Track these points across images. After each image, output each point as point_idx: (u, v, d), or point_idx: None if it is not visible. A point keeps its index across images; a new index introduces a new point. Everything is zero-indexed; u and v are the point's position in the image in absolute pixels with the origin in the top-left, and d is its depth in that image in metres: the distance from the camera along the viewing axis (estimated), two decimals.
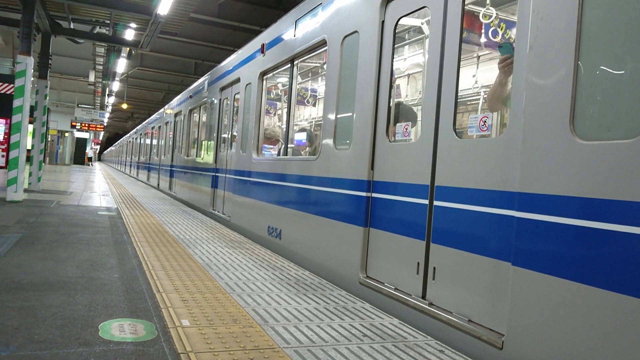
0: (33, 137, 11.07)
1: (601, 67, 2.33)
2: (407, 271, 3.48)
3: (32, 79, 9.59)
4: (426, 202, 3.34)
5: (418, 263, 3.38)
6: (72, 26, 12.16)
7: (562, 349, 2.29)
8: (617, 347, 2.06)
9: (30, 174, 11.39)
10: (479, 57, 5.26)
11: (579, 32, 2.34)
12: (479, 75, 5.23)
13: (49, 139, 33.73)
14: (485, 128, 3.02)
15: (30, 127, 9.88)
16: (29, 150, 10.17)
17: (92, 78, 21.34)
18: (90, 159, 44.15)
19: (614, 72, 2.30)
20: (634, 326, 1.99)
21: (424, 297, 3.31)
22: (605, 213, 2.14)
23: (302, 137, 6.85)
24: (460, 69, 3.21)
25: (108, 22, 11.72)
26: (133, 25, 11.71)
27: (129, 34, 12.78)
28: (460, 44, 3.19)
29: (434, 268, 3.23)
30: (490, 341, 2.70)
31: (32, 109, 10.48)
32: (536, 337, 2.42)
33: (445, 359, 2.59)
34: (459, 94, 3.22)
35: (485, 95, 4.45)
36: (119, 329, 2.66)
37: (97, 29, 13.17)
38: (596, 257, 2.16)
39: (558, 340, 2.31)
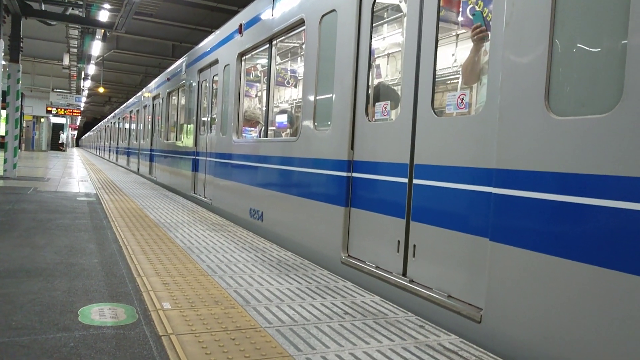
0: (7, 123, 10.80)
1: (575, 43, 2.34)
2: (388, 249, 3.51)
3: (3, 62, 9.31)
4: (405, 180, 3.35)
5: (398, 241, 3.41)
6: (43, 7, 11.81)
7: (539, 321, 2.34)
8: (593, 318, 2.12)
9: (5, 161, 11.13)
10: (457, 35, 5.26)
11: (554, 8, 2.35)
12: (458, 54, 5.24)
13: (24, 125, 32.95)
14: (463, 105, 3.04)
15: (3, 112, 9.64)
16: (2, 137, 9.93)
17: (66, 61, 20.81)
18: (62, 144, 42.02)
19: (588, 49, 2.32)
20: (609, 298, 2.05)
21: (404, 274, 3.35)
22: (580, 187, 2.17)
23: (282, 118, 6.80)
24: (439, 47, 3.20)
25: (81, 2, 11.41)
26: (107, 6, 11.42)
27: (103, 15, 12.47)
28: (437, 22, 3.18)
29: (414, 246, 3.26)
30: (469, 315, 2.75)
31: (4, 94, 10.21)
32: (514, 310, 2.47)
33: (425, 334, 2.63)
34: (437, 73, 3.22)
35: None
36: (99, 314, 2.64)
37: (70, 10, 12.80)
38: (571, 231, 2.21)
39: (535, 312, 2.36)
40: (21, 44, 11.31)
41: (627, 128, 2.00)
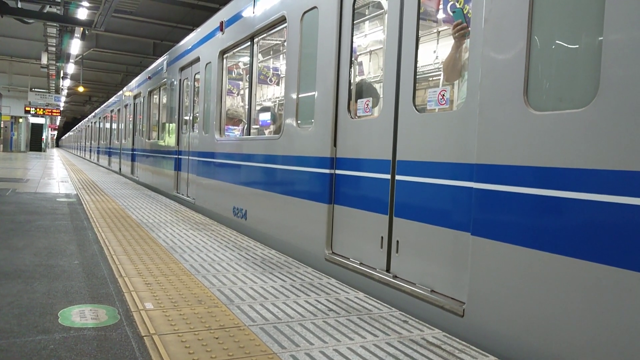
0: None
1: (553, 39, 2.38)
2: (372, 246, 3.52)
3: None
4: (388, 176, 3.37)
5: (382, 237, 3.42)
6: (20, 5, 11.57)
7: (521, 314, 2.37)
8: (573, 310, 2.15)
9: None
10: (439, 32, 5.30)
11: (531, 5, 2.38)
12: (439, 51, 5.28)
13: (2, 125, 32.30)
14: (444, 101, 3.06)
15: None
16: None
17: (44, 60, 20.43)
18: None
19: (565, 45, 2.36)
20: (590, 290, 2.08)
21: (388, 270, 3.36)
22: (559, 181, 2.20)
23: (265, 116, 6.77)
24: (421, 44, 3.22)
25: (59, 0, 11.20)
26: (85, 3, 11.24)
27: (82, 13, 12.26)
28: (418, 18, 3.19)
29: (397, 241, 3.28)
30: (452, 310, 2.77)
31: None
32: (495, 304, 2.50)
33: (409, 329, 2.65)
34: (419, 70, 3.24)
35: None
36: (80, 315, 2.60)
37: (48, 8, 12.57)
38: (551, 224, 2.24)
39: (516, 305, 2.39)
40: None
41: (602, 122, 2.03)
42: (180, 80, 8.99)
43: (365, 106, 3.77)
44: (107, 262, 3.81)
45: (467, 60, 3.03)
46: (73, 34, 15.96)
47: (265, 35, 5.83)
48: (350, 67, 3.90)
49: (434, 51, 5.35)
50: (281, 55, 7.82)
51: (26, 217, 5.85)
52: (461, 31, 3.10)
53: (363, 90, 4.35)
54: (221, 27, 6.68)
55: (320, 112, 4.16)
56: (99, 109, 25.89)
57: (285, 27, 4.91)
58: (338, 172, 3.95)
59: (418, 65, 3.23)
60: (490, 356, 2.32)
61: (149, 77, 11.82)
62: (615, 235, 1.98)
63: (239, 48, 6.44)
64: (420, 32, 3.24)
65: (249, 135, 6.13)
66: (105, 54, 23.54)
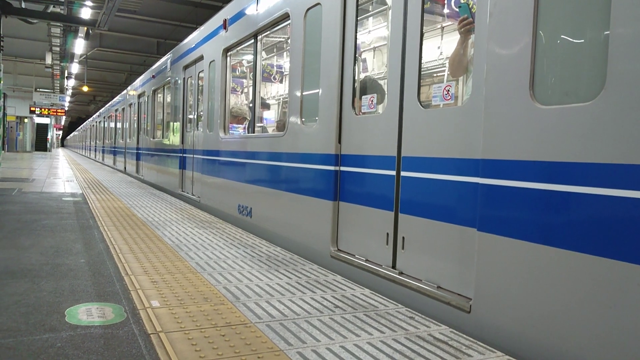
0: None
1: (558, 33, 2.36)
2: (377, 242, 3.51)
3: None
4: (393, 173, 3.36)
5: (387, 234, 3.41)
6: (23, 5, 11.61)
7: (528, 310, 2.36)
8: (581, 305, 2.14)
9: None
10: (443, 28, 5.27)
11: None
12: (443, 46, 5.25)
13: (7, 126, 32.43)
14: (449, 97, 3.04)
15: None
16: None
17: (49, 60, 20.49)
18: None
19: (571, 38, 2.34)
20: (597, 284, 2.07)
21: (394, 266, 3.36)
22: (565, 175, 2.19)
23: (269, 114, 6.77)
24: (425, 40, 3.20)
25: (62, 0, 11.23)
26: (89, 3, 11.26)
27: (86, 13, 12.29)
28: (422, 14, 3.18)
29: (403, 238, 3.27)
30: (459, 306, 2.76)
31: None
32: (502, 300, 2.49)
33: (415, 325, 2.64)
34: (424, 66, 3.22)
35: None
36: (87, 314, 2.61)
37: (51, 8, 12.60)
38: (557, 219, 2.22)
39: (523, 301, 2.38)
40: (2, 43, 11.11)
41: (609, 116, 2.02)
42: (184, 78, 8.99)
43: (370, 103, 3.76)
44: (113, 260, 3.82)
45: (472, 55, 3.02)
46: (77, 34, 16.00)
47: (268, 32, 5.82)
48: (355, 64, 3.89)
49: (438, 47, 5.33)
50: (285, 53, 7.81)
51: (32, 216, 5.87)
52: (467, 26, 3.08)
53: (367, 86, 4.33)
54: (224, 25, 6.68)
55: (324, 109, 4.15)
56: (103, 109, 25.98)
57: (289, 24, 4.90)
58: (343, 169, 3.95)
59: (423, 61, 3.21)
60: (497, 352, 2.31)
61: (153, 76, 11.84)
62: (622, 230, 1.97)
63: (243, 46, 6.44)
64: (424, 27, 3.23)
65: (254, 133, 6.13)
66: (109, 53, 23.61)
